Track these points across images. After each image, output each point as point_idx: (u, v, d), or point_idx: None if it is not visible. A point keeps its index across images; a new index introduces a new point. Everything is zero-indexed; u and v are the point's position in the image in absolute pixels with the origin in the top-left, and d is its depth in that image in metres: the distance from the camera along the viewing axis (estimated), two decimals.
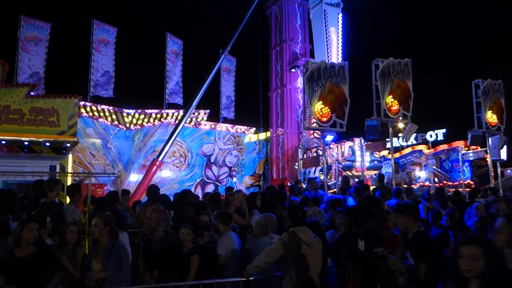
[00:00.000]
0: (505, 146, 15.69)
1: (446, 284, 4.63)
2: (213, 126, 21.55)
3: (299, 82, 22.09)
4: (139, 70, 29.31)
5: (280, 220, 5.89)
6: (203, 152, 20.98)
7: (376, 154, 18.97)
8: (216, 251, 5.39)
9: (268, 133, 22.81)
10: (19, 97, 12.10)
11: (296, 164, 19.85)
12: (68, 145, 12.23)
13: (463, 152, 18.23)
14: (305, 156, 19.33)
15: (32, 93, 12.47)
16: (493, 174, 15.63)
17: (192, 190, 18.29)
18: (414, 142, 21.92)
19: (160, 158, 16.80)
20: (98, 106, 18.56)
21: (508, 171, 17.57)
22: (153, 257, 5.56)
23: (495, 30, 38.84)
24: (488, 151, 15.28)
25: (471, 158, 18.18)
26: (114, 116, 18.80)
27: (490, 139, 14.80)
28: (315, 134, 19.61)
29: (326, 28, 21.10)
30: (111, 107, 18.86)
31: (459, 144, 19.05)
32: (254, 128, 22.88)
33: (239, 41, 20.70)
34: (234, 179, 21.61)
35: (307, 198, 8.64)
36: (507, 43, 37.15)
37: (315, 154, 18.94)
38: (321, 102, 11.40)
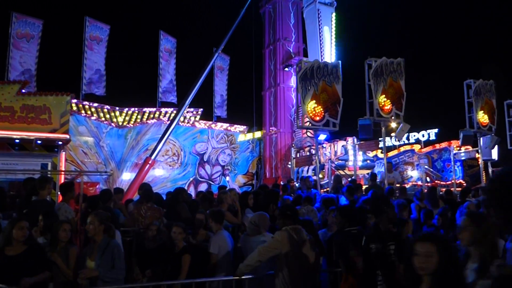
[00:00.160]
0: (496, 146, 15.83)
1: None
2: (206, 125, 21.51)
3: (292, 81, 22.12)
4: (132, 68, 29.16)
5: (273, 219, 5.90)
6: (196, 150, 20.94)
7: (368, 153, 19.05)
8: (209, 250, 5.39)
9: (261, 132, 22.81)
10: (10, 94, 11.99)
11: (289, 163, 19.87)
12: (60, 143, 12.16)
13: (454, 151, 18.36)
14: (298, 155, 19.36)
15: (23, 91, 12.36)
16: (484, 173, 15.77)
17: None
18: (407, 141, 22.04)
19: (153, 157, 16.74)
20: (91, 104, 18.45)
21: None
22: (145, 256, 5.55)
23: (487, 30, 39.15)
24: (479, 151, 15.40)
25: (463, 158, 18.32)
26: (106, 114, 18.70)
27: (481, 139, 14.92)
28: (308, 133, 19.64)
29: (320, 27, 21.14)
30: (104, 105, 18.75)
31: (451, 144, 19.19)
32: (247, 127, 22.87)
33: (232, 40, 20.68)
34: (227, 178, 21.60)
35: (300, 197, 8.67)
36: (498, 44, 37.49)
37: (308, 153, 18.98)
38: (314, 101, 11.43)
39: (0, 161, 11.78)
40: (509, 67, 30.70)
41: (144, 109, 19.64)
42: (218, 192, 8.11)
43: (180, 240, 5.39)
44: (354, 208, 5.97)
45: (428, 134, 21.56)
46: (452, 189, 13.81)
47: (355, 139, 16.75)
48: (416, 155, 21.00)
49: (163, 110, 20.18)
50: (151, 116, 19.75)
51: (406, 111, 12.84)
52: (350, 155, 17.01)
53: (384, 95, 12.37)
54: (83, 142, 17.83)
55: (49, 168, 11.90)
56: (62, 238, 4.93)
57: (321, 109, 11.52)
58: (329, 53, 21.22)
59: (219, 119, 22.91)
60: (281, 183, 16.64)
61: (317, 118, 11.41)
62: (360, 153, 17.31)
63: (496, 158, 16.96)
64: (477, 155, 16.59)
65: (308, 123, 11.58)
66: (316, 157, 12.79)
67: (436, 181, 18.44)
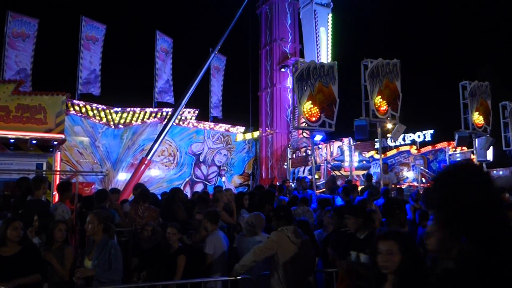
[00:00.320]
0: (491, 147, 15.90)
1: None
2: (202, 125, 21.49)
3: (289, 82, 22.13)
4: (128, 68, 29.12)
5: (269, 220, 5.91)
6: (192, 151, 20.92)
7: (364, 154, 19.10)
8: (204, 250, 5.38)
9: (258, 133, 22.81)
10: (5, 94, 11.92)
11: (285, 163, 19.88)
12: (55, 143, 12.09)
13: (450, 152, 18.43)
14: (294, 156, 19.38)
15: (19, 90, 12.30)
16: None
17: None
18: (402, 142, 22.11)
19: (148, 157, 16.71)
20: (86, 104, 18.39)
21: (494, 172, 17.80)
22: (141, 256, 5.53)
23: (483, 32, 39.33)
24: (474, 152, 15.46)
25: (458, 159, 18.37)
26: (102, 114, 18.64)
27: (476, 140, 14.98)
28: (304, 134, 19.71)
29: (316, 28, 21.17)
30: (100, 105, 18.69)
31: (446, 145, 19.26)
32: (243, 127, 22.87)
33: (229, 40, 20.69)
34: (223, 178, 21.58)
35: (296, 198, 8.67)
36: (494, 45, 37.67)
37: (304, 154, 19.00)
38: (310, 101, 11.43)
39: None
40: (504, 68, 30.89)
41: (140, 109, 19.60)
42: (214, 191, 8.11)
43: (175, 241, 5.38)
44: None
45: (424, 135, 21.65)
46: None
47: (351, 140, 16.79)
48: (411, 156, 21.06)
49: (159, 110, 20.15)
50: (147, 116, 19.71)
51: (401, 112, 12.88)
52: (346, 156, 17.05)
53: (380, 96, 12.40)
54: (79, 142, 17.77)
55: (44, 168, 11.83)
56: (58, 238, 4.90)
57: (317, 109, 11.53)
58: (325, 54, 21.26)
59: (216, 120, 22.91)
60: (277, 183, 16.66)
61: (313, 119, 11.42)
62: (356, 153, 17.34)
63: (491, 159, 17.03)
64: (472, 156, 16.66)
65: (304, 123, 11.59)
66: (312, 158, 12.80)
67: (431, 182, 18.49)
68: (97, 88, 19.06)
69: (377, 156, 17.88)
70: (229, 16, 20.65)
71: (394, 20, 37.31)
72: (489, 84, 15.28)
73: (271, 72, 22.69)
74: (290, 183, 14.71)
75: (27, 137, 11.61)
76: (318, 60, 18.88)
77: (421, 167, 19.59)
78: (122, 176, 18.37)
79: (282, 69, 22.23)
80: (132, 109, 19.36)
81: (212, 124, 22.02)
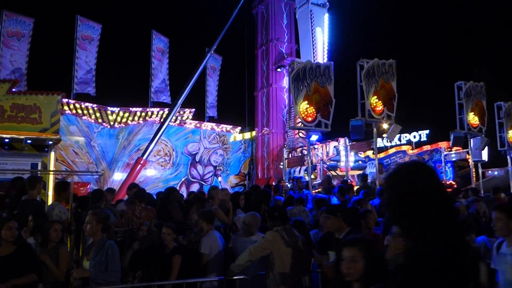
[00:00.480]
0: (486, 147, 15.96)
1: None
2: (198, 125, 21.47)
3: (285, 82, 22.15)
4: (124, 67, 29.00)
5: (264, 220, 5.91)
6: (188, 151, 20.89)
7: (360, 154, 19.13)
8: (200, 250, 5.38)
9: (254, 133, 22.82)
10: (0, 94, 11.84)
11: (281, 163, 19.89)
12: (50, 142, 12.01)
13: (445, 153, 18.49)
14: (290, 156, 19.39)
15: (13, 90, 12.22)
16: (474, 174, 15.90)
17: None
18: (398, 142, 22.16)
19: (144, 157, 16.67)
20: (82, 103, 18.33)
21: (489, 172, 17.90)
22: (136, 256, 5.51)
23: (478, 33, 39.51)
24: (469, 152, 15.52)
25: (454, 159, 18.47)
26: (98, 114, 18.59)
27: (471, 140, 15.04)
28: (300, 134, 19.71)
29: (312, 28, 21.18)
30: (95, 105, 18.64)
31: (442, 145, 19.33)
32: (239, 127, 22.88)
33: (225, 40, 20.68)
34: (219, 178, 21.57)
35: (292, 198, 8.67)
36: (489, 46, 37.88)
37: (300, 154, 19.02)
38: (306, 101, 11.43)
39: None
40: (499, 69, 31.04)
41: (136, 109, 19.55)
42: (208, 190, 8.12)
43: (170, 241, 5.36)
44: (348, 208, 5.98)
45: (420, 135, 21.70)
46: None
47: (347, 140, 16.81)
48: (407, 156, 21.11)
49: (155, 110, 20.12)
50: (143, 116, 19.67)
51: (397, 112, 12.91)
52: (342, 156, 17.08)
53: (375, 96, 12.42)
54: (74, 141, 17.71)
55: (39, 168, 11.76)
56: (53, 238, 4.87)
57: (313, 109, 11.53)
58: (321, 54, 21.28)
59: (212, 119, 22.90)
60: (273, 183, 16.66)
61: (309, 119, 11.42)
62: (352, 153, 17.37)
63: (486, 159, 17.10)
64: (467, 156, 16.72)
65: (300, 123, 11.59)
66: (308, 158, 12.81)
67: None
68: (92, 88, 19.01)
69: (373, 156, 17.92)
70: (225, 16, 20.65)
71: (390, 20, 37.43)
72: (484, 85, 15.35)
73: (267, 72, 22.69)
74: (286, 183, 14.73)
75: (22, 137, 11.53)
76: (314, 60, 18.88)
77: None
78: (118, 176, 18.32)
79: (278, 69, 22.23)
80: (128, 108, 19.32)
81: (208, 124, 22.00)
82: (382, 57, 12.82)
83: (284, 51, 22.60)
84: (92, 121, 18.29)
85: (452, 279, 1.70)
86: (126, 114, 19.24)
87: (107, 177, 18.30)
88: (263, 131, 22.48)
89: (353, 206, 7.04)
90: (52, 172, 11.63)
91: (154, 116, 19.85)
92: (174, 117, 19.28)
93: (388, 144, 22.00)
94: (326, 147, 18.67)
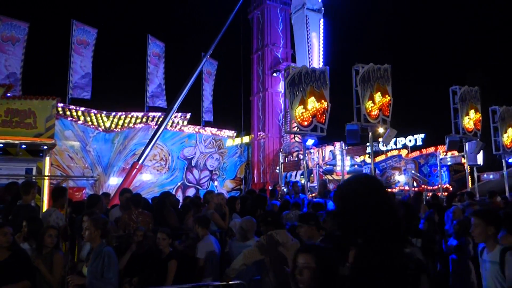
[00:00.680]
0: (481, 151, 16.02)
1: None
2: (194, 130, 21.44)
3: (281, 87, 22.20)
4: (120, 72, 28.96)
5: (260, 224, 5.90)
6: (184, 155, 20.85)
7: (356, 158, 19.15)
8: (196, 255, 5.35)
9: (250, 137, 22.82)
10: None
11: (277, 168, 19.89)
12: (45, 147, 11.94)
13: (441, 157, 18.54)
14: (286, 160, 19.39)
15: (8, 94, 12.16)
16: (470, 178, 15.95)
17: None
18: (394, 146, 22.21)
19: (140, 161, 16.62)
20: (77, 108, 18.27)
21: (485, 175, 17.94)
22: (132, 262, 5.47)
23: (473, 38, 39.81)
24: (465, 156, 15.57)
25: (449, 163, 18.51)
26: (93, 119, 18.53)
27: (467, 144, 15.09)
28: (296, 138, 19.74)
29: (308, 33, 21.26)
30: (91, 109, 18.58)
31: (438, 149, 19.39)
32: (235, 132, 22.87)
33: (221, 45, 20.71)
34: (215, 183, 21.53)
35: (288, 202, 8.66)
36: (483, 51, 38.13)
37: (296, 158, 19.02)
38: (302, 106, 11.45)
39: None
40: (493, 73, 31.25)
41: (132, 114, 19.51)
42: (204, 194, 8.09)
43: (166, 246, 5.33)
44: None
45: (415, 139, 21.77)
46: (438, 193, 13.94)
47: (343, 144, 16.83)
48: (403, 160, 21.16)
49: (151, 114, 20.08)
50: (139, 120, 19.62)
51: (393, 116, 12.94)
52: (338, 160, 17.10)
53: (371, 101, 12.46)
54: (69, 146, 17.63)
55: (34, 173, 11.68)
56: (48, 244, 4.83)
57: (309, 114, 11.55)
58: (317, 59, 21.36)
59: (207, 124, 22.87)
60: (269, 187, 16.64)
61: (305, 123, 11.43)
62: (348, 158, 17.39)
63: (481, 163, 17.17)
64: (463, 160, 16.77)
65: (296, 128, 11.60)
66: (304, 162, 12.81)
67: (423, 186, 18.60)
68: (88, 92, 18.96)
69: (368, 161, 17.95)
70: (221, 21, 20.71)
71: (385, 25, 37.66)
72: (478, 89, 15.43)
73: (263, 77, 22.74)
74: (283, 187, 14.71)
75: (17, 142, 11.46)
76: (309, 65, 18.95)
77: (413, 171, 19.68)
78: (114, 181, 18.24)
79: (274, 74, 22.28)
80: (123, 113, 19.28)
81: (204, 129, 21.97)
82: (377, 62, 12.88)
83: (279, 56, 22.67)
84: (88, 125, 18.22)
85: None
86: (122, 119, 19.18)
87: (102, 182, 18.22)
88: (259, 135, 22.48)
89: None
90: (47, 177, 11.54)
91: (150, 120, 19.81)
92: (170, 122, 19.25)
93: (384, 148, 22.05)
94: (322, 152, 18.69)
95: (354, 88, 12.41)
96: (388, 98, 12.89)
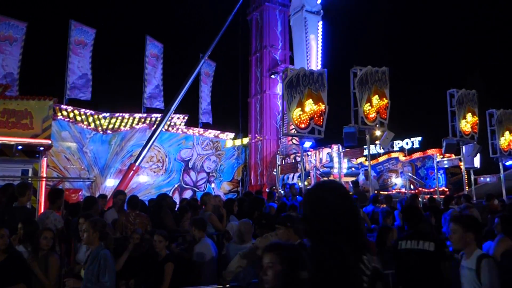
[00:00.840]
0: (478, 154, 16.06)
1: None
2: (191, 131, 21.40)
3: (278, 88, 22.20)
4: (117, 73, 28.90)
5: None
6: (181, 157, 20.80)
7: (353, 161, 19.17)
8: (193, 258, 5.33)
9: (247, 139, 22.80)
10: None
11: (275, 170, 19.87)
12: (42, 148, 11.91)
13: (438, 159, 18.57)
14: (283, 162, 19.38)
15: (5, 94, 12.13)
16: (466, 181, 15.98)
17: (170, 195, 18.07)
18: (391, 149, 22.24)
19: (137, 163, 16.57)
20: (74, 109, 18.20)
21: (481, 178, 17.99)
22: (129, 264, 5.44)
23: (470, 41, 39.94)
24: (462, 159, 15.60)
25: (446, 166, 18.55)
26: (90, 120, 18.47)
27: (464, 147, 15.13)
28: (294, 140, 19.73)
29: (306, 35, 21.28)
30: (88, 110, 18.52)
31: (434, 151, 19.42)
32: (233, 134, 22.84)
33: (219, 46, 20.69)
34: (212, 185, 21.49)
35: (285, 205, 8.65)
36: (481, 54, 38.27)
37: (293, 161, 19.01)
38: (299, 108, 11.45)
39: None
40: (491, 77, 31.37)
41: (129, 115, 19.44)
42: (201, 196, 8.07)
43: (162, 248, 5.30)
44: None
45: (412, 142, 21.80)
46: (435, 196, 13.96)
47: (340, 147, 16.84)
48: (400, 163, 21.19)
49: (148, 116, 20.02)
50: (136, 121, 19.57)
51: (390, 119, 12.96)
52: (335, 163, 17.09)
53: (368, 104, 12.47)
54: (66, 147, 17.56)
55: (30, 174, 11.64)
56: (43, 246, 4.79)
57: (307, 116, 11.55)
58: (315, 61, 21.37)
59: (205, 126, 22.83)
60: (267, 190, 16.61)
61: (303, 126, 11.43)
62: (345, 160, 17.40)
63: (478, 166, 17.20)
64: (459, 163, 16.80)
65: (293, 130, 11.59)
66: (302, 164, 12.80)
67: (419, 189, 18.63)
68: (85, 93, 18.88)
69: (366, 163, 17.96)
70: (219, 22, 20.69)
71: (383, 28, 37.73)
72: (476, 92, 15.48)
73: (261, 79, 22.72)
74: (280, 190, 14.70)
75: (13, 143, 11.42)
76: (307, 67, 18.96)
77: (409, 174, 19.72)
78: (110, 183, 18.18)
79: (272, 76, 22.27)
80: (120, 114, 19.21)
81: (201, 130, 21.94)
82: (375, 65, 12.90)
83: (278, 58, 22.67)
84: (85, 126, 18.16)
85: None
86: (119, 120, 19.12)
87: (99, 184, 18.15)
88: (257, 137, 22.47)
89: None
90: (43, 179, 11.51)
91: (147, 122, 19.76)
92: (167, 123, 19.21)
93: (381, 151, 22.08)
94: (319, 154, 18.69)
95: (352, 91, 12.42)
96: (385, 100, 12.91)
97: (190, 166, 21.00)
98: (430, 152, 19.99)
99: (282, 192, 14.18)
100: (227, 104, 26.76)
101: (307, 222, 2.04)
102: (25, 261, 4.63)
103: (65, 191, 7.81)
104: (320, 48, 21.75)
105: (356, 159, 19.04)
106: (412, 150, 21.62)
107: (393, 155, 21.74)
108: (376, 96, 12.60)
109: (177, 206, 9.37)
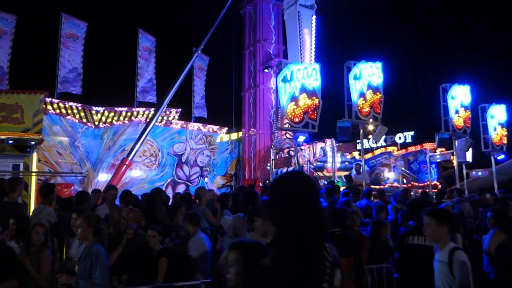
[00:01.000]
0: (470, 149, 16.17)
1: None
2: (184, 125, 21.31)
3: (272, 83, 22.13)
4: (110, 66, 28.64)
5: None
6: (174, 151, 20.72)
7: (346, 155, 19.20)
8: (188, 253, 5.30)
9: (241, 133, 22.74)
10: None
11: (268, 164, 19.86)
12: (33, 143, 11.79)
13: (430, 154, 18.67)
14: (277, 157, 19.36)
15: None
16: (458, 175, 16.09)
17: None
18: (384, 143, 22.32)
19: (130, 157, 16.47)
20: (66, 103, 18.02)
21: (473, 172, 18.12)
22: (122, 259, 5.40)
23: (464, 35, 40.12)
24: (454, 153, 15.70)
25: (438, 160, 18.66)
26: (82, 114, 18.30)
27: (456, 141, 15.22)
28: (287, 135, 19.72)
29: (300, 29, 21.20)
30: (80, 104, 18.35)
31: (427, 146, 19.53)
32: (226, 128, 22.79)
33: (212, 40, 20.56)
34: (206, 179, 21.44)
35: None
36: (474, 49, 38.47)
37: (287, 155, 19.00)
38: (293, 102, 11.43)
39: None
40: (484, 71, 31.54)
41: (121, 109, 19.29)
42: (195, 190, 8.03)
43: (156, 243, 5.27)
44: (337, 209, 5.98)
45: (405, 136, 21.90)
46: (427, 190, 14.04)
47: (334, 141, 16.86)
48: (392, 157, 21.28)
49: (141, 110, 19.88)
50: (129, 116, 19.43)
51: (383, 113, 12.99)
52: (329, 157, 17.11)
53: (362, 98, 12.49)
54: (58, 142, 17.39)
55: (21, 169, 11.52)
56: (35, 242, 4.74)
57: (301, 110, 11.53)
58: (308, 55, 21.31)
59: (198, 120, 22.74)
60: (260, 184, 16.61)
61: (297, 120, 11.42)
62: (339, 154, 17.42)
63: (471, 160, 17.33)
64: (452, 157, 16.91)
65: (287, 124, 11.57)
66: (295, 159, 12.80)
67: (412, 183, 18.73)
68: (77, 87, 18.70)
69: (359, 157, 18.01)
70: (213, 15, 20.55)
71: (377, 22, 37.78)
72: (469, 87, 15.56)
73: (254, 73, 22.64)
74: None
75: (3, 137, 11.29)
76: (301, 61, 18.92)
77: (402, 168, 19.81)
78: (103, 177, 18.06)
79: (266, 70, 22.19)
80: (113, 108, 19.06)
81: (194, 124, 21.84)
82: (369, 59, 12.90)
83: (271, 52, 22.58)
84: (76, 121, 18.00)
85: (299, 281, 1.88)
86: (111, 114, 18.98)
87: (91, 178, 18.03)
88: (250, 131, 22.42)
89: (341, 207, 7.03)
90: (34, 174, 11.41)
91: (140, 116, 19.63)
92: (160, 117, 19.09)
93: (374, 145, 22.15)
94: (313, 148, 18.70)
95: (345, 85, 12.43)
96: (379, 95, 12.93)
97: (183, 161, 20.93)
98: (422, 146, 20.09)
99: None
100: (221, 99, 26.67)
101: (273, 210, 2.07)
102: (17, 257, 4.58)
103: (57, 186, 7.74)
104: (313, 42, 21.69)
105: (349, 153, 19.07)
106: (404, 144, 21.72)
107: (387, 149, 21.84)
108: (370, 91, 12.62)
109: (171, 200, 9.33)
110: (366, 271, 5.27)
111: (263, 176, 20.88)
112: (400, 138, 21.96)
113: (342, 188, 10.78)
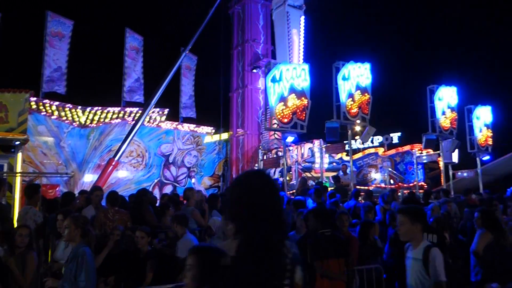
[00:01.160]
0: (456, 150, 16.37)
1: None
2: (172, 126, 21.16)
3: (260, 83, 22.12)
4: (96, 66, 28.30)
5: None
6: (161, 152, 20.56)
7: (334, 156, 19.28)
8: (176, 254, 5.25)
9: (228, 134, 22.68)
10: None
11: (256, 165, 19.84)
12: (17, 143, 11.58)
13: (417, 155, 18.86)
14: (265, 157, 19.36)
15: None
16: (444, 176, 16.27)
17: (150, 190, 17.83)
18: (371, 144, 22.48)
19: (116, 158, 16.29)
20: (51, 102, 17.73)
21: (459, 173, 18.35)
22: (109, 261, 5.32)
23: (450, 37, 40.64)
24: (440, 154, 15.87)
25: (425, 161, 18.86)
26: (68, 114, 18.03)
27: (443, 142, 15.39)
28: (275, 135, 19.72)
29: (288, 29, 21.24)
30: (65, 104, 18.07)
31: (414, 147, 19.71)
32: (214, 128, 22.69)
33: (200, 40, 20.46)
34: (193, 180, 21.32)
35: None
36: (460, 50, 38.98)
37: (275, 155, 19.01)
38: (282, 103, 11.43)
39: None
40: (470, 73, 31.97)
41: (108, 109, 19.05)
42: (184, 191, 7.97)
43: (144, 245, 5.21)
44: (327, 210, 5.98)
45: (391, 137, 22.09)
46: (414, 191, 14.17)
47: (322, 142, 16.91)
48: (379, 158, 21.44)
49: (128, 109, 19.67)
50: (115, 115, 19.21)
51: (370, 114, 13.07)
52: (317, 158, 17.16)
53: (350, 99, 12.55)
54: (43, 142, 17.12)
55: (5, 169, 11.30)
56: (19, 243, 4.64)
57: (289, 111, 11.54)
58: (297, 56, 21.36)
59: (186, 120, 22.59)
60: None
61: (285, 120, 11.42)
62: (327, 155, 17.48)
63: (457, 161, 17.55)
64: (438, 158, 17.10)
65: (276, 125, 11.57)
66: (284, 159, 12.80)
67: (399, 183, 18.89)
68: (62, 87, 18.41)
69: (346, 158, 18.09)
70: (201, 15, 20.44)
71: (365, 23, 38.03)
72: (455, 88, 15.75)
73: (242, 73, 22.60)
74: None
75: None
76: (290, 62, 18.95)
77: (389, 169, 19.97)
78: (89, 178, 17.83)
79: (254, 70, 22.17)
80: (99, 108, 18.82)
81: (182, 125, 21.71)
82: (358, 60, 12.98)
83: (260, 52, 22.56)
84: (62, 120, 17.73)
85: (261, 279, 1.89)
86: (98, 114, 18.74)
87: (77, 179, 17.78)
88: (238, 132, 22.37)
89: (330, 208, 7.04)
90: (19, 174, 11.20)
91: (126, 116, 19.42)
92: (147, 117, 18.93)
93: (361, 146, 22.29)
94: (301, 149, 18.73)
95: (334, 86, 12.47)
96: (367, 96, 13.01)
97: (170, 161, 20.79)
98: (409, 147, 20.27)
99: None
100: (208, 99, 26.53)
101: (233, 206, 2.08)
102: (1, 260, 4.47)
103: (42, 187, 7.59)
104: (302, 42, 21.75)
105: (337, 154, 19.15)
106: (391, 145, 21.91)
107: (373, 150, 21.99)
108: (358, 91, 12.69)
109: (158, 201, 9.25)
110: (356, 272, 5.27)
111: None
112: (387, 139, 22.16)
113: (330, 189, 10.82)
